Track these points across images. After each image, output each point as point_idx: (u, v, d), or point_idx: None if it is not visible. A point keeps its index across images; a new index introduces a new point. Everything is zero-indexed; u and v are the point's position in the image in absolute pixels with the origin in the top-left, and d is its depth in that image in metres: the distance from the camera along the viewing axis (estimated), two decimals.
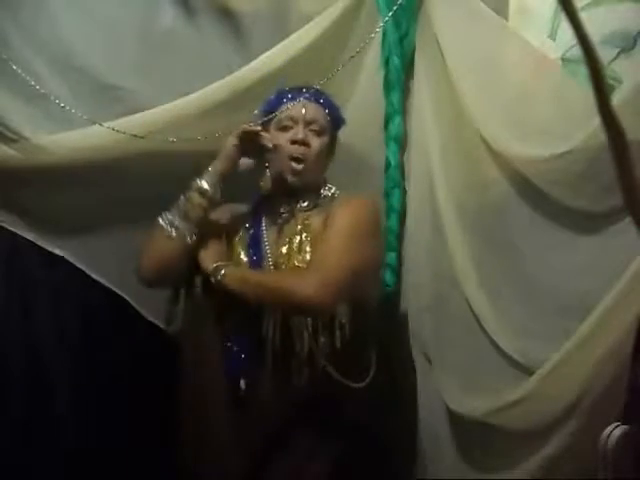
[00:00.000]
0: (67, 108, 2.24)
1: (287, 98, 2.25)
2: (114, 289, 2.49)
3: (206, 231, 2.22)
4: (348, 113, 2.42)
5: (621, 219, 1.91)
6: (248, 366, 2.14)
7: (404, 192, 2.49)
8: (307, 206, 2.23)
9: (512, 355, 2.19)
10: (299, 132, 2.21)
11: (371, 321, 2.24)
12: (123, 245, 2.40)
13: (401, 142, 2.49)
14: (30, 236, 2.41)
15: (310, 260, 2.13)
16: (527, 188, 2.20)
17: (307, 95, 2.24)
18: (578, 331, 1.95)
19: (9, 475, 2.35)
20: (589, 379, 1.95)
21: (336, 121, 2.30)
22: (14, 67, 2.24)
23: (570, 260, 2.12)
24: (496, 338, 2.23)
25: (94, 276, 2.47)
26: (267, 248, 2.23)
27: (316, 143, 2.22)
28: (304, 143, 2.20)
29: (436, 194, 2.36)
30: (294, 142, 2.21)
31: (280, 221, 2.24)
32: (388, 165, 2.49)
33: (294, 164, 2.20)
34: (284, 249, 2.18)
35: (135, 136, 2.26)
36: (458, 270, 2.32)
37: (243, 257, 2.24)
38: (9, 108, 2.29)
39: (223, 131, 2.23)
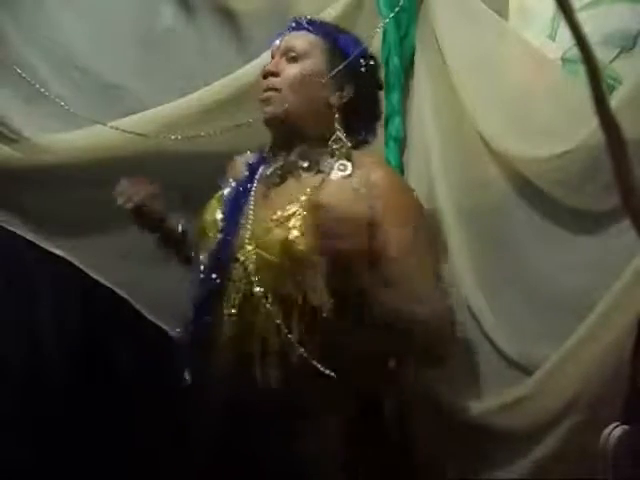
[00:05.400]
0: (67, 108, 2.25)
1: (280, 35, 2.07)
2: (114, 289, 2.49)
3: None
4: None
5: (621, 219, 1.91)
6: (194, 354, 1.92)
7: None
8: (308, 167, 1.94)
9: (510, 355, 2.18)
10: (268, 64, 2.02)
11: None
12: (123, 245, 2.40)
13: (401, 142, 2.49)
14: (30, 236, 2.41)
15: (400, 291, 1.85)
16: (527, 188, 2.20)
17: (295, 25, 2.05)
18: (578, 331, 1.95)
19: (9, 474, 2.36)
20: (589, 378, 1.95)
21: (333, 43, 2.01)
22: (14, 67, 2.25)
23: (570, 260, 2.12)
24: (494, 338, 2.22)
25: (94, 276, 2.47)
26: (250, 212, 1.94)
27: (290, 70, 1.98)
28: (271, 73, 1.98)
29: (436, 194, 2.36)
30: (264, 76, 2.01)
31: (271, 182, 1.96)
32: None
33: (263, 94, 1.99)
34: (273, 217, 1.87)
35: (135, 133, 2.26)
36: (457, 270, 2.32)
37: (218, 216, 1.98)
38: (9, 108, 2.29)
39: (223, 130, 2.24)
